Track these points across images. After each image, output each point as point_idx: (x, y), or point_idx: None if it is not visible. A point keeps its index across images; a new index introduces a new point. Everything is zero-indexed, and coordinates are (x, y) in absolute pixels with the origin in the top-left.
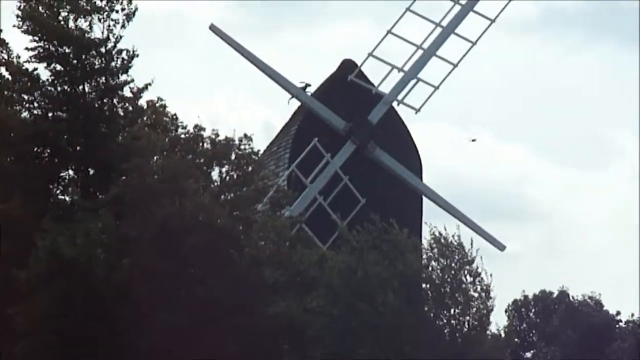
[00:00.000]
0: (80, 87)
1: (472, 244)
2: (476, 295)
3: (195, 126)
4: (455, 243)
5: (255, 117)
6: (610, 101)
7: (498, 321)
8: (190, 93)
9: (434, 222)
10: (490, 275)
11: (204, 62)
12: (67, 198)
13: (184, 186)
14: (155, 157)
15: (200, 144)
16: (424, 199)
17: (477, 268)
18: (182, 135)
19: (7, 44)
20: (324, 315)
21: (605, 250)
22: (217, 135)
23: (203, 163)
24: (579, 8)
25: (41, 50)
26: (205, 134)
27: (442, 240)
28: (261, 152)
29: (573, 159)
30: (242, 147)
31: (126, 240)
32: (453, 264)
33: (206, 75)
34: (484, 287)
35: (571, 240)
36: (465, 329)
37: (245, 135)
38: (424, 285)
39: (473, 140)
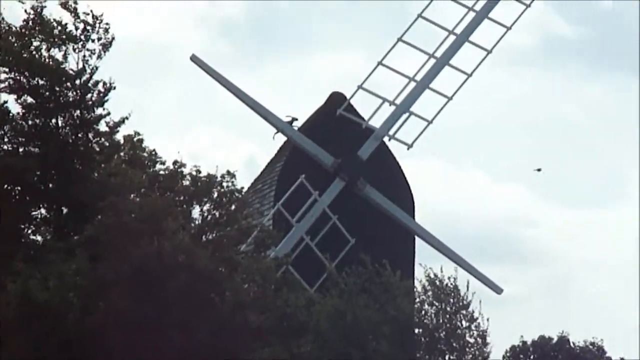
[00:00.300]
0: (54, 121)
1: (468, 286)
2: (472, 341)
3: (175, 162)
4: (451, 286)
5: (239, 153)
6: (614, 136)
7: None
8: (170, 128)
9: (427, 263)
10: (487, 319)
11: (184, 95)
12: (39, 238)
13: (163, 226)
14: (132, 195)
15: (180, 181)
16: (417, 239)
17: (474, 312)
18: (161, 172)
19: None
20: None
21: (607, 294)
22: (198, 172)
23: (183, 201)
24: (580, 35)
25: (11, 82)
26: (186, 170)
27: (437, 283)
28: (245, 189)
29: (574, 199)
30: (225, 184)
31: (101, 283)
32: (448, 308)
33: (187, 109)
34: (481, 333)
35: (572, 283)
36: None
37: (228, 172)
38: (417, 331)
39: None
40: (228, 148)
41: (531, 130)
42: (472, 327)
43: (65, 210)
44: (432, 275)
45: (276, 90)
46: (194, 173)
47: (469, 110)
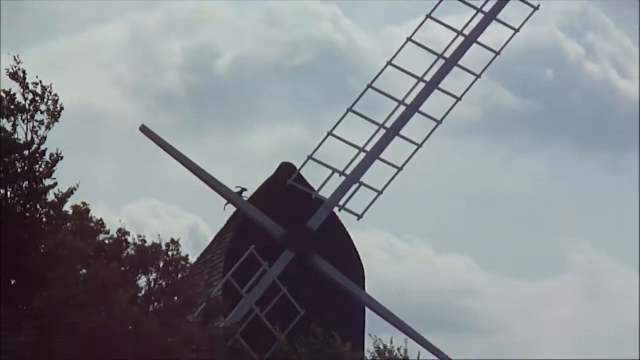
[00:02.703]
0: (2, 192)
1: (419, 357)
2: None
3: (119, 230)
4: (402, 358)
5: (182, 223)
6: (558, 208)
7: None
8: (111, 198)
9: (378, 334)
10: None
11: (126, 165)
12: None
13: (113, 297)
14: (80, 266)
15: (126, 250)
16: (368, 310)
17: None
18: (106, 242)
19: None
20: None
21: None
22: (143, 241)
23: (129, 271)
24: (526, 107)
25: None
26: (130, 239)
27: (387, 354)
28: (190, 258)
29: (519, 270)
30: (170, 253)
31: (51, 356)
32: None
33: (128, 180)
34: None
35: (521, 355)
36: None
37: (173, 241)
38: None
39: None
40: (170, 219)
41: (475, 200)
42: None
43: (13, 282)
44: (381, 347)
45: (217, 162)
46: (139, 242)
47: (415, 181)
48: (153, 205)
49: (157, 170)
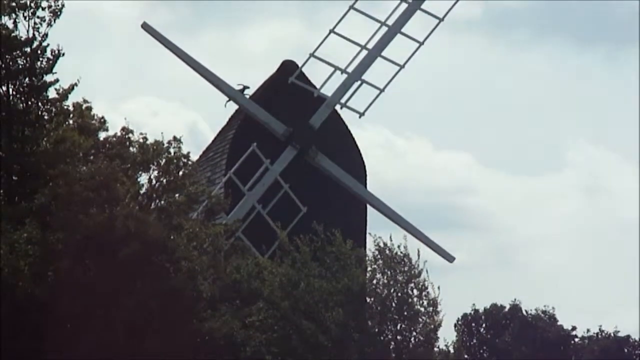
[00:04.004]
0: (4, 89)
1: (419, 255)
2: (423, 309)
3: (123, 129)
4: (402, 254)
5: (181, 121)
6: (558, 104)
7: (446, 336)
8: (111, 96)
9: (379, 232)
10: (438, 288)
11: (124, 64)
12: None
13: (114, 194)
14: (81, 163)
15: (128, 148)
16: (369, 207)
17: (425, 281)
18: (109, 139)
19: None
20: (264, 331)
21: (558, 262)
22: (145, 138)
23: (131, 168)
24: (526, 6)
25: None
26: (133, 137)
27: (387, 252)
28: (192, 155)
29: (519, 167)
30: (172, 150)
31: (52, 252)
32: (399, 277)
33: (128, 78)
34: (431, 302)
35: (521, 252)
36: (412, 345)
37: (175, 138)
38: (368, 300)
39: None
40: (168, 116)
41: (476, 97)
42: (423, 295)
43: (15, 178)
44: (381, 245)
45: (215, 59)
46: (141, 140)
47: (419, 78)
48: (150, 102)
49: (156, 69)
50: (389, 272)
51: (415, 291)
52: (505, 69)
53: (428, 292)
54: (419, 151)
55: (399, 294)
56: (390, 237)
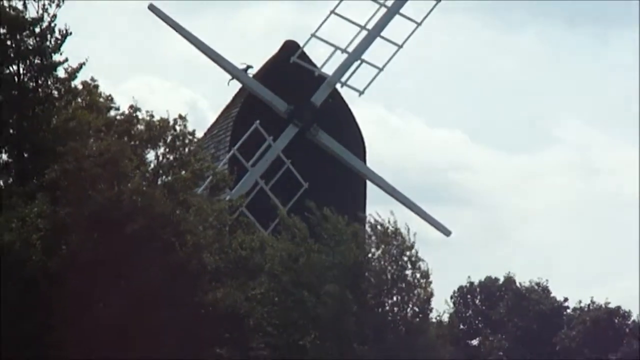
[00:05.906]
0: (14, 68)
1: (408, 229)
2: (416, 282)
3: (131, 107)
4: (393, 229)
5: (180, 100)
6: (549, 83)
7: (442, 308)
8: (110, 76)
9: (378, 207)
10: (426, 263)
11: (127, 44)
12: (0, 183)
13: (121, 170)
14: (90, 140)
15: (136, 125)
16: (368, 183)
17: (417, 254)
18: (117, 117)
19: None
20: (266, 304)
21: (550, 236)
22: (151, 116)
23: (138, 145)
24: None
25: None
26: (140, 115)
27: (379, 227)
28: (197, 133)
29: (510, 144)
30: (177, 127)
31: (62, 226)
32: (393, 251)
33: (128, 58)
34: (423, 273)
35: (514, 225)
36: (409, 317)
37: (180, 116)
38: (366, 274)
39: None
40: (169, 94)
41: (471, 76)
42: (416, 268)
43: (26, 155)
44: (372, 221)
45: (215, 39)
46: (148, 118)
47: (417, 58)
48: (150, 81)
49: (157, 49)
50: (382, 246)
51: (409, 264)
52: (499, 48)
53: (420, 265)
54: (414, 128)
55: (394, 267)
56: (377, 213)
